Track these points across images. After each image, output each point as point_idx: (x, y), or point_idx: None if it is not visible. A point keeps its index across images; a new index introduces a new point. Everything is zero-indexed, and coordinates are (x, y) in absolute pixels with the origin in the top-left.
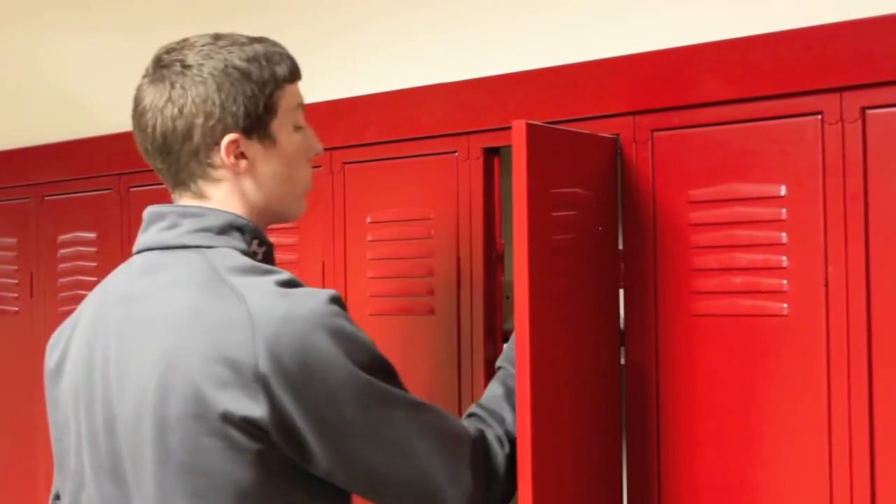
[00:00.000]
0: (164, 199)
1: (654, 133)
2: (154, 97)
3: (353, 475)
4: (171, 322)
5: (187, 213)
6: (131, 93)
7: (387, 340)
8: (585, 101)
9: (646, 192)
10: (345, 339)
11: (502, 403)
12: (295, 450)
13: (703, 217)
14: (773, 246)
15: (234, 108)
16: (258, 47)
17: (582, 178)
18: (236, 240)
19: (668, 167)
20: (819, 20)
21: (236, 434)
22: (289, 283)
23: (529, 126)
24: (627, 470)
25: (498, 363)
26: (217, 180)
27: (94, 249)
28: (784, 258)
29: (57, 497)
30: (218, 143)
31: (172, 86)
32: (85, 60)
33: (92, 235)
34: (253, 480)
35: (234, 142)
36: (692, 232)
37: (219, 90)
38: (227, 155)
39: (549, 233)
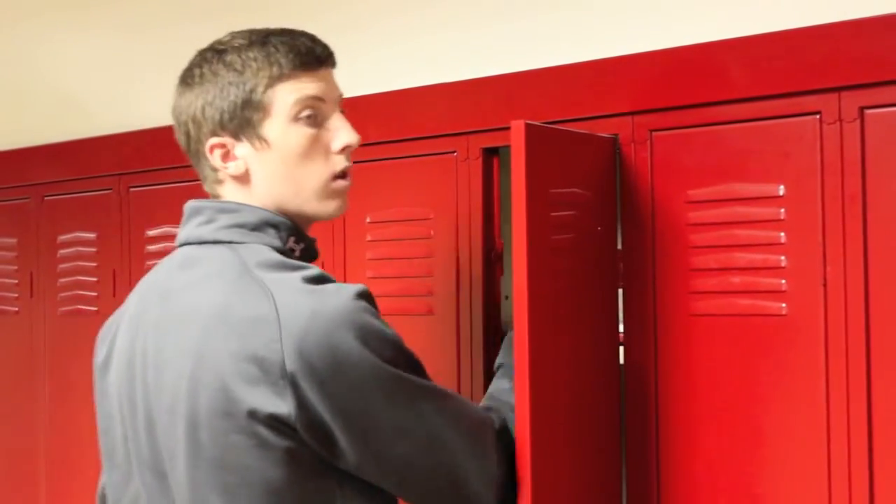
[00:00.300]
0: (164, 199)
1: (653, 133)
2: (172, 106)
3: (382, 468)
4: (201, 318)
5: (224, 209)
6: (131, 93)
7: None
8: (584, 102)
9: (644, 192)
10: (370, 335)
11: (512, 395)
12: (324, 446)
13: (702, 217)
14: (772, 245)
15: (212, 112)
16: (256, 44)
17: (581, 177)
18: (271, 237)
19: (667, 167)
20: (817, 20)
21: (264, 431)
22: (317, 279)
23: (528, 126)
24: (627, 469)
25: (499, 361)
26: (220, 181)
27: (93, 249)
28: (782, 258)
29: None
30: (205, 148)
31: (176, 94)
32: (85, 61)
33: (92, 235)
34: (283, 477)
35: (218, 145)
36: (691, 232)
37: (202, 95)
38: (215, 158)
39: (548, 233)
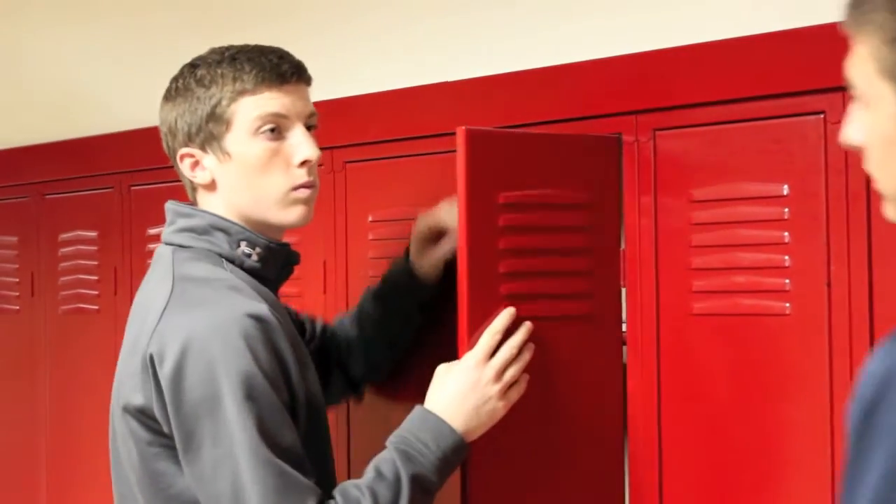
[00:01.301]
0: (165, 197)
1: (656, 132)
2: None
3: (199, 493)
4: (131, 317)
5: (181, 213)
6: (132, 91)
7: None
8: (588, 100)
9: (647, 192)
10: (232, 358)
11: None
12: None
13: (706, 216)
14: (776, 245)
15: (182, 125)
16: (226, 60)
17: (581, 178)
18: (220, 241)
19: (670, 166)
20: (821, 19)
21: (134, 423)
22: (230, 289)
23: (469, 131)
24: (629, 470)
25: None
26: (194, 189)
27: (94, 248)
28: (786, 257)
29: None
30: (177, 157)
31: (160, 106)
32: (86, 58)
33: (93, 234)
34: (159, 470)
35: (187, 155)
36: (694, 231)
37: (176, 108)
38: (185, 167)
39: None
